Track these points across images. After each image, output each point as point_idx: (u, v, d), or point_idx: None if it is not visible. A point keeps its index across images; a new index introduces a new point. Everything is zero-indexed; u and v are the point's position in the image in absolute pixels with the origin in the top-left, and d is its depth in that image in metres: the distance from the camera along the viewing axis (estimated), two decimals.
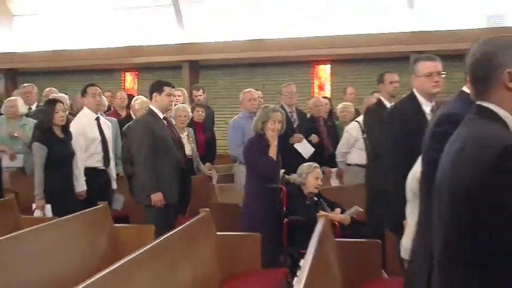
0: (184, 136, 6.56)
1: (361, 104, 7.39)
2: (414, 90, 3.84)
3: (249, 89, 6.62)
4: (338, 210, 5.14)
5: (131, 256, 3.16)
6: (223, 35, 10.52)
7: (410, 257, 2.51)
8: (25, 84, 8.22)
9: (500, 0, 9.44)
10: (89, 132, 5.58)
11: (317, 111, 7.21)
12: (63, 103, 5.51)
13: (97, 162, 5.60)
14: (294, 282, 2.64)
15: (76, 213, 4.58)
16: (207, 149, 7.24)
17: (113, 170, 5.82)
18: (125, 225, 5.11)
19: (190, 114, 6.91)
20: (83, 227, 4.40)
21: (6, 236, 3.66)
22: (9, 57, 11.50)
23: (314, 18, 10.20)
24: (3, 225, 4.66)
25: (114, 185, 5.83)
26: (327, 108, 7.43)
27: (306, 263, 2.93)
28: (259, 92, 7.04)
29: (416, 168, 2.54)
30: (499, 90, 1.71)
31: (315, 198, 5.19)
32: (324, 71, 10.67)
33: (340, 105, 7.58)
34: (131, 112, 7.40)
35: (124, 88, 10.96)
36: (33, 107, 7.65)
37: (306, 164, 5.37)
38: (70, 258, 4.00)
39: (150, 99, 5.39)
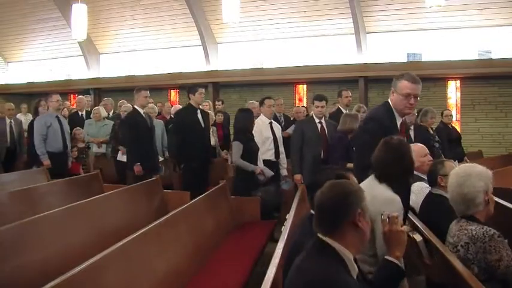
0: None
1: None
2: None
3: (252, 101, 6.62)
4: None
5: (175, 211, 3.22)
6: (235, 65, 10.46)
7: None
8: (105, 99, 8.25)
9: (417, 42, 9.41)
10: (264, 132, 5.03)
11: (297, 116, 7.09)
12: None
13: (271, 155, 5.03)
14: (282, 229, 2.68)
15: (139, 183, 4.57)
16: (224, 141, 7.25)
17: (283, 161, 5.14)
18: (170, 190, 5.03)
19: (214, 117, 6.91)
20: (144, 192, 4.39)
21: (94, 197, 3.75)
22: (95, 81, 11.50)
23: (295, 53, 10.14)
24: (92, 190, 4.73)
25: (284, 172, 5.14)
26: (304, 114, 7.41)
27: (289, 217, 2.98)
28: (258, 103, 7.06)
29: None
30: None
31: None
32: (302, 89, 10.59)
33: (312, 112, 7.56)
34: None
35: (169, 101, 10.91)
36: (110, 114, 7.66)
37: None
38: (136, 211, 4.03)
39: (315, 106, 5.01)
